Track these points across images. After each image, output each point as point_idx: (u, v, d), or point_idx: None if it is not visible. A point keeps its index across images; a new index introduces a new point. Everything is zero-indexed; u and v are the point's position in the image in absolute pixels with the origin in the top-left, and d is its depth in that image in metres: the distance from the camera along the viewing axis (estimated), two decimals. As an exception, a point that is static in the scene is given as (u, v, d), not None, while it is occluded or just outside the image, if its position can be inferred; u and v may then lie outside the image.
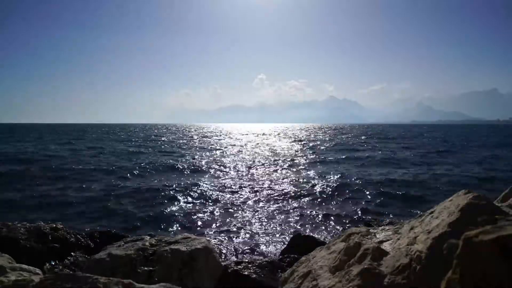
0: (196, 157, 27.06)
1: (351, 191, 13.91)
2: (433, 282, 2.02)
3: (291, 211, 11.07)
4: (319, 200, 12.44)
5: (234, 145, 42.04)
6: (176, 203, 11.99)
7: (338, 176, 17.34)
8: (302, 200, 12.43)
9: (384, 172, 19.15)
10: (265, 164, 22.23)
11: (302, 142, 46.83)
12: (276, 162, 23.26)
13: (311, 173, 18.83)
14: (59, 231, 5.22)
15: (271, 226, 9.50)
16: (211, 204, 11.87)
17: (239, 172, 19.25)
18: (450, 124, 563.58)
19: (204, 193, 13.51)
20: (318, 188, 14.32)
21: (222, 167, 20.72)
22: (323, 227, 9.50)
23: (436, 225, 2.35)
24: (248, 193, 13.52)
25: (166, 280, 3.14)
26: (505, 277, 0.97)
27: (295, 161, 24.31)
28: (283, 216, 10.46)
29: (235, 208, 11.29)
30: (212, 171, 19.49)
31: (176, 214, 10.76)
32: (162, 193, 13.52)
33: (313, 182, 15.77)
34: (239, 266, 4.24)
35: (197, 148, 36.52)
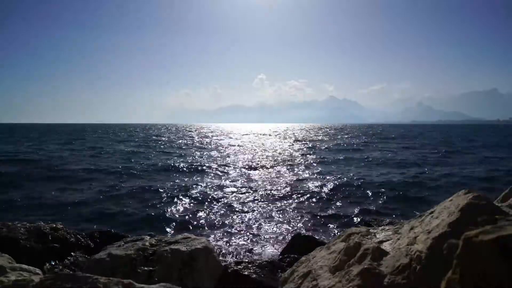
0: (196, 157, 27.06)
1: (351, 191, 13.91)
2: (433, 282, 2.02)
3: (291, 211, 11.07)
4: (319, 200, 12.44)
5: (234, 145, 42.04)
6: (176, 203, 11.99)
7: (338, 176, 17.34)
8: (302, 200, 12.43)
9: (384, 172, 19.15)
10: (265, 164, 22.23)
11: (303, 142, 46.83)
12: (276, 162, 23.27)
13: (311, 173, 18.82)
14: (59, 231, 5.22)
15: (271, 226, 9.50)
16: (211, 204, 11.87)
17: (239, 172, 19.26)
18: (450, 124, 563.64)
19: (204, 193, 13.51)
20: (318, 188, 14.32)
21: (222, 167, 20.72)
22: (323, 227, 9.50)
23: (436, 225, 2.35)
24: (248, 193, 13.52)
25: (166, 280, 3.14)
26: (505, 277, 0.97)
27: (295, 161, 24.31)
28: (283, 216, 10.46)
29: (235, 208, 11.29)
30: (212, 171, 19.49)
31: (176, 214, 10.77)
32: (162, 193, 13.52)
33: (313, 182, 15.77)
34: (239, 266, 4.24)
35: (197, 148, 36.53)
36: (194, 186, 15.06)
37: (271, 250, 7.62)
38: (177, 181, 16.39)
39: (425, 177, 17.21)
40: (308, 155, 28.64)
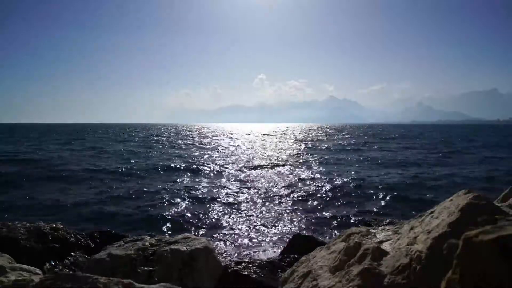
0: (196, 157, 27.06)
1: (351, 191, 13.91)
2: (433, 282, 2.02)
3: (291, 211, 11.07)
4: (319, 200, 12.44)
5: (235, 145, 42.05)
6: (176, 203, 11.99)
7: (338, 177, 17.34)
8: (302, 200, 12.43)
9: (384, 172, 19.15)
10: (265, 165, 22.23)
11: (303, 142, 46.83)
12: (276, 163, 23.26)
13: (311, 173, 18.82)
14: (59, 231, 5.22)
15: (271, 226, 9.50)
16: (211, 204, 11.87)
17: (239, 172, 19.26)
18: (450, 124, 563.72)
19: (204, 193, 13.52)
20: (318, 188, 14.32)
21: (222, 168, 20.72)
22: (323, 227, 9.50)
23: (436, 225, 2.35)
24: (248, 193, 13.52)
25: (166, 280, 3.14)
26: (505, 277, 0.97)
27: (295, 161, 24.31)
28: (283, 216, 10.46)
29: (235, 208, 11.29)
30: (212, 171, 19.49)
31: (176, 214, 10.76)
32: (162, 193, 13.52)
33: (313, 182, 15.77)
34: (239, 266, 4.24)
35: (197, 148, 36.53)
36: (194, 186, 15.06)
37: (271, 250, 7.62)
38: (177, 181, 16.39)
39: (425, 177, 17.21)
40: (308, 155, 28.64)
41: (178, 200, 12.47)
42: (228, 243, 8.21)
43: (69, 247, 5.02)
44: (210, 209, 11.18)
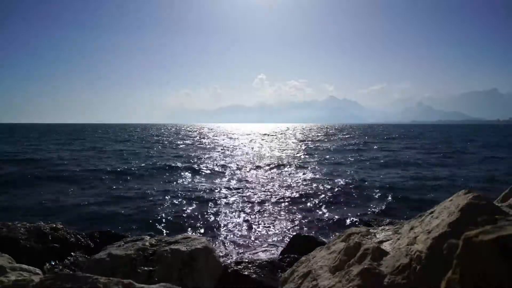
0: (196, 157, 27.06)
1: (351, 191, 13.91)
2: (433, 282, 2.02)
3: (291, 211, 11.07)
4: (319, 200, 12.44)
5: (235, 145, 42.05)
6: (176, 203, 11.99)
7: (338, 177, 17.34)
8: (302, 200, 12.43)
9: (384, 172, 19.15)
10: (265, 165, 22.22)
11: (303, 143, 46.83)
12: (276, 163, 23.26)
13: (312, 173, 18.82)
14: (59, 231, 5.22)
15: (271, 226, 9.50)
16: (211, 204, 11.87)
17: (239, 172, 19.26)
18: (450, 124, 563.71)
19: (205, 193, 13.52)
20: (318, 188, 14.32)
21: (222, 168, 20.72)
22: (323, 227, 9.50)
23: (436, 225, 2.35)
24: (249, 194, 13.52)
25: (166, 280, 3.14)
26: (505, 277, 0.97)
27: (295, 161, 24.31)
28: (283, 216, 10.46)
29: (235, 208, 11.29)
30: (212, 171, 19.49)
31: (176, 214, 10.76)
32: (162, 193, 13.52)
33: (313, 183, 15.77)
34: (239, 266, 4.24)
35: (197, 149, 36.53)
36: (194, 186, 15.07)
37: (271, 250, 7.62)
38: (177, 181, 16.39)
39: (425, 177, 17.21)
40: (308, 156, 28.65)
41: (178, 200, 12.47)
42: (228, 243, 8.20)
43: (69, 247, 5.03)
44: (210, 209, 11.18)
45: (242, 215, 10.57)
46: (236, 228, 9.36)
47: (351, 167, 21.38)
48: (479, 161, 24.23)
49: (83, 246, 5.24)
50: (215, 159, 25.33)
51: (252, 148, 37.51)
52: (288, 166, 21.38)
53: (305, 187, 14.63)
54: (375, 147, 38.21)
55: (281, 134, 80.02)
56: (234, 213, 10.74)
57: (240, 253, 7.41)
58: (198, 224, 9.74)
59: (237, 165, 21.99)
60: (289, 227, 9.41)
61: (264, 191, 13.84)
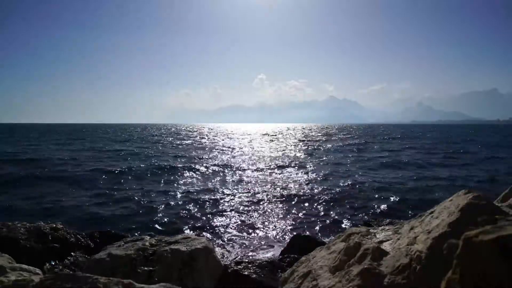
0: (196, 157, 27.06)
1: (351, 191, 13.92)
2: (433, 282, 2.02)
3: (291, 211, 11.07)
4: (319, 200, 12.44)
5: (235, 145, 42.05)
6: (176, 203, 11.99)
7: (338, 177, 17.34)
8: (303, 200, 12.43)
9: (384, 172, 19.15)
10: (266, 165, 22.23)
11: (303, 143, 46.83)
12: (276, 163, 23.26)
13: (312, 173, 18.82)
14: (59, 231, 5.22)
15: (271, 226, 9.50)
16: (211, 204, 11.87)
17: (239, 172, 19.26)
18: (450, 124, 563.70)
19: (204, 194, 13.51)
20: (318, 188, 14.31)
21: (222, 168, 20.72)
22: (323, 227, 9.50)
23: (436, 225, 2.35)
24: (248, 194, 13.52)
25: (166, 280, 3.14)
26: (505, 277, 0.97)
27: (295, 161, 24.31)
28: (283, 216, 10.46)
29: (235, 209, 11.29)
30: (212, 171, 19.49)
31: (176, 214, 10.76)
32: (162, 193, 13.52)
33: (313, 183, 15.77)
34: (239, 266, 4.24)
35: (197, 149, 36.53)
36: (194, 186, 15.07)
37: (271, 250, 7.62)
38: (177, 181, 16.39)
39: (425, 177, 17.21)
40: (308, 156, 28.65)
41: (178, 200, 12.47)
42: (228, 243, 8.20)
43: (69, 247, 5.03)
44: (210, 209, 11.18)
45: (242, 215, 10.57)
46: (236, 228, 9.36)
47: (351, 167, 21.37)
48: (479, 161, 24.23)
49: (83, 246, 5.24)
50: (215, 159, 25.33)
51: (252, 148, 37.51)
52: (288, 166, 21.38)
53: (305, 187, 14.63)
54: (375, 147, 38.21)
55: (281, 134, 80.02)
56: (234, 213, 10.74)
57: (240, 253, 7.41)
58: (198, 224, 9.73)
59: (237, 165, 21.99)
60: (289, 227, 9.40)
61: (264, 191, 13.84)
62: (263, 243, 8.21)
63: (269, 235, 8.82)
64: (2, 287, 2.60)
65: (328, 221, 9.97)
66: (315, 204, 11.90)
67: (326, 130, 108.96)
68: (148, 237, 4.55)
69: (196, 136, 65.51)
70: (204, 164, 22.04)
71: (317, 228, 9.47)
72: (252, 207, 11.49)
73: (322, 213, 10.81)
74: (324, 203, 12.02)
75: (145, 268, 3.82)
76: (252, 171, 19.51)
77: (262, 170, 20.02)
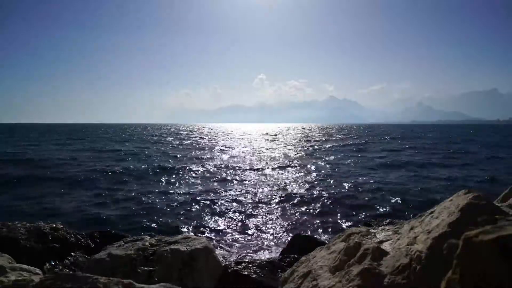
0: (196, 158, 27.06)
1: (351, 191, 13.92)
2: (433, 282, 2.02)
3: (291, 211, 11.07)
4: (319, 200, 12.44)
5: (235, 146, 42.05)
6: (176, 204, 11.99)
7: (338, 177, 17.34)
8: (303, 200, 12.43)
9: (384, 172, 19.15)
10: (266, 165, 22.23)
11: (303, 143, 46.83)
12: (276, 163, 23.27)
13: (312, 173, 18.82)
14: (59, 231, 5.22)
15: (271, 226, 9.50)
16: (211, 204, 11.87)
17: (239, 172, 19.25)
18: (450, 124, 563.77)
19: (205, 194, 13.51)
20: (318, 188, 14.32)
21: (222, 168, 20.72)
22: (323, 227, 9.50)
23: (436, 225, 2.35)
24: (248, 194, 13.52)
25: (166, 280, 3.14)
26: (505, 277, 0.97)
27: (295, 161, 24.31)
28: (283, 216, 10.46)
29: (235, 209, 11.29)
30: (212, 171, 19.49)
31: (176, 214, 10.77)
32: (163, 193, 13.52)
33: (313, 183, 15.77)
34: (239, 266, 4.24)
35: (197, 149, 36.53)
36: (194, 186, 15.07)
37: (271, 250, 7.62)
38: (177, 181, 16.39)
39: (425, 177, 17.22)
40: (308, 156, 28.65)
41: (178, 200, 12.47)
42: (228, 243, 8.21)
43: (69, 247, 5.02)
44: (210, 209, 11.18)
45: (242, 215, 10.57)
46: (236, 228, 9.36)
47: (351, 167, 21.38)
48: (479, 161, 24.23)
49: (83, 246, 5.24)
50: (215, 159, 25.33)
51: (252, 148, 37.51)
52: (288, 166, 21.37)
53: (305, 187, 14.63)
54: (375, 147, 38.21)
55: (281, 134, 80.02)
56: (234, 213, 10.74)
57: (240, 253, 7.41)
58: (198, 224, 9.74)
59: (237, 165, 21.99)
60: (289, 227, 9.40)
61: (264, 191, 13.84)
62: (263, 243, 8.21)
63: (269, 235, 8.82)
64: (2, 287, 2.60)
65: (328, 221, 9.97)
66: (315, 204, 11.90)
67: (326, 130, 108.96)
68: (148, 237, 4.55)
69: (196, 136, 65.52)
70: (204, 164, 22.04)
71: (317, 228, 9.47)
72: (252, 207, 11.49)
73: (322, 213, 10.81)
74: (324, 203, 12.02)
75: (145, 268, 3.82)
76: (252, 171, 19.51)
77: (262, 170, 20.01)
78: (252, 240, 8.44)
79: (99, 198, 12.63)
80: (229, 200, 12.46)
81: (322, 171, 19.29)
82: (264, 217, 10.37)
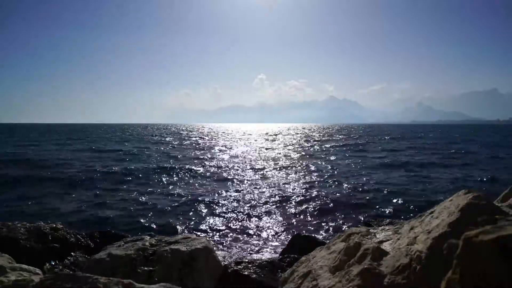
0: (196, 158, 27.06)
1: (351, 191, 13.91)
2: (433, 282, 2.02)
3: (291, 211, 11.07)
4: (319, 200, 12.44)
5: (234, 145, 42.06)
6: (176, 204, 11.99)
7: (338, 177, 17.34)
8: (303, 200, 12.42)
9: (384, 172, 19.14)
10: (266, 165, 22.23)
11: (303, 143, 46.83)
12: (276, 163, 23.27)
13: (312, 173, 18.82)
14: (59, 231, 5.21)
15: (271, 226, 9.50)
16: (211, 204, 11.87)
17: (239, 172, 19.26)
18: (450, 124, 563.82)
19: (205, 194, 13.51)
20: (318, 189, 14.31)
21: (222, 168, 20.72)
22: (323, 227, 9.50)
23: (436, 225, 2.35)
24: (248, 194, 13.52)
25: (166, 280, 3.13)
26: (505, 277, 0.97)
27: (295, 161, 24.31)
28: (283, 216, 10.46)
29: (235, 209, 11.29)
30: (212, 172, 19.49)
31: (176, 214, 10.77)
32: (162, 194, 13.52)
33: (313, 183, 15.77)
34: (239, 266, 4.24)
35: (197, 149, 36.54)
36: (194, 186, 15.07)
37: (271, 250, 7.62)
38: (177, 181, 16.39)
39: (425, 177, 17.21)
40: (308, 156, 28.65)
41: (178, 200, 12.47)
42: (228, 243, 8.21)
43: (69, 247, 5.02)
44: (210, 210, 11.18)
45: (242, 215, 10.57)
46: (236, 228, 9.36)
47: (351, 167, 21.37)
48: (479, 161, 24.23)
49: (83, 246, 5.24)
50: (215, 160, 25.33)
51: (252, 148, 37.51)
52: (288, 167, 21.37)
53: (305, 187, 14.63)
54: (375, 147, 38.21)
55: (281, 134, 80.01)
56: (234, 213, 10.74)
57: (240, 253, 7.41)
58: (198, 224, 9.74)
59: (237, 165, 21.99)
60: (289, 227, 9.40)
61: (264, 191, 13.84)
62: (263, 243, 8.21)
63: (269, 235, 8.82)
64: (2, 287, 2.60)
65: (328, 221, 9.97)
66: (315, 204, 11.90)
67: (326, 130, 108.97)
68: (148, 237, 4.55)
69: (196, 136, 65.52)
70: (204, 164, 22.04)
71: (317, 228, 9.47)
72: (252, 207, 11.49)
73: (322, 213, 10.81)
74: (324, 203, 12.02)
75: (145, 268, 3.82)
76: (252, 171, 19.50)
77: (262, 170, 20.01)
78: (252, 240, 8.44)
79: (99, 198, 12.63)
80: (229, 200, 12.46)
81: (322, 171, 19.29)
82: (264, 217, 10.37)
